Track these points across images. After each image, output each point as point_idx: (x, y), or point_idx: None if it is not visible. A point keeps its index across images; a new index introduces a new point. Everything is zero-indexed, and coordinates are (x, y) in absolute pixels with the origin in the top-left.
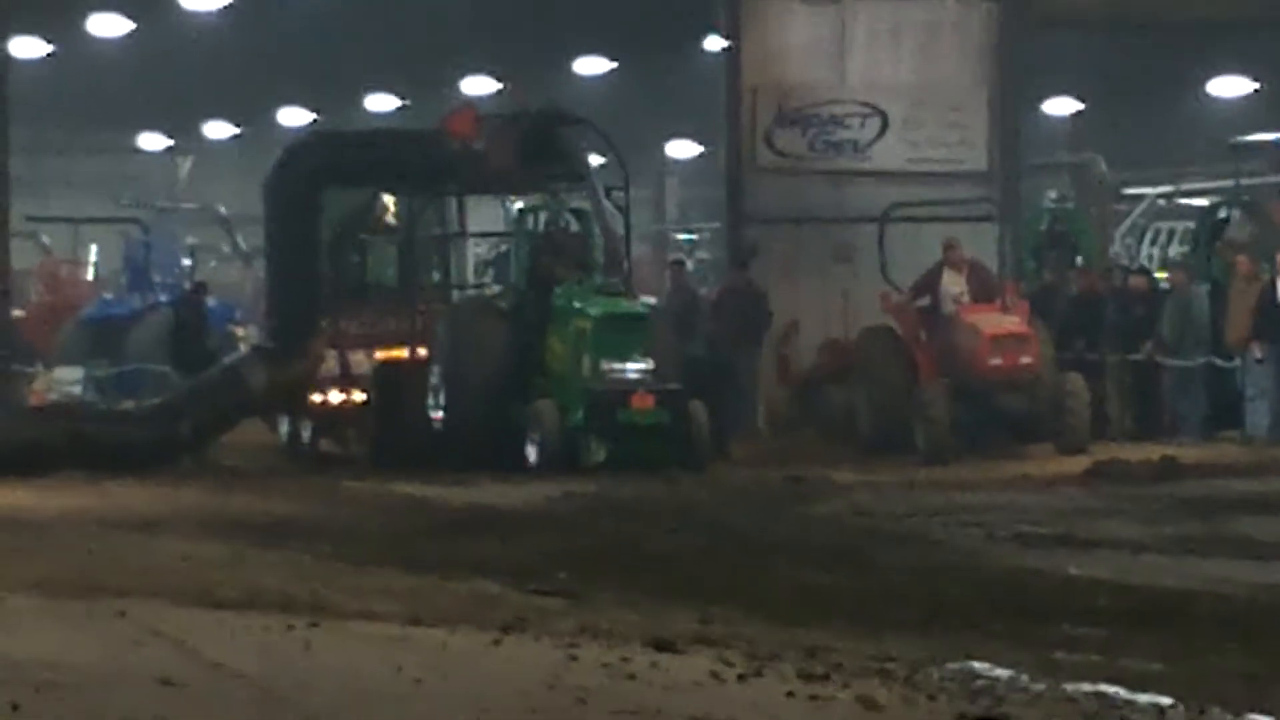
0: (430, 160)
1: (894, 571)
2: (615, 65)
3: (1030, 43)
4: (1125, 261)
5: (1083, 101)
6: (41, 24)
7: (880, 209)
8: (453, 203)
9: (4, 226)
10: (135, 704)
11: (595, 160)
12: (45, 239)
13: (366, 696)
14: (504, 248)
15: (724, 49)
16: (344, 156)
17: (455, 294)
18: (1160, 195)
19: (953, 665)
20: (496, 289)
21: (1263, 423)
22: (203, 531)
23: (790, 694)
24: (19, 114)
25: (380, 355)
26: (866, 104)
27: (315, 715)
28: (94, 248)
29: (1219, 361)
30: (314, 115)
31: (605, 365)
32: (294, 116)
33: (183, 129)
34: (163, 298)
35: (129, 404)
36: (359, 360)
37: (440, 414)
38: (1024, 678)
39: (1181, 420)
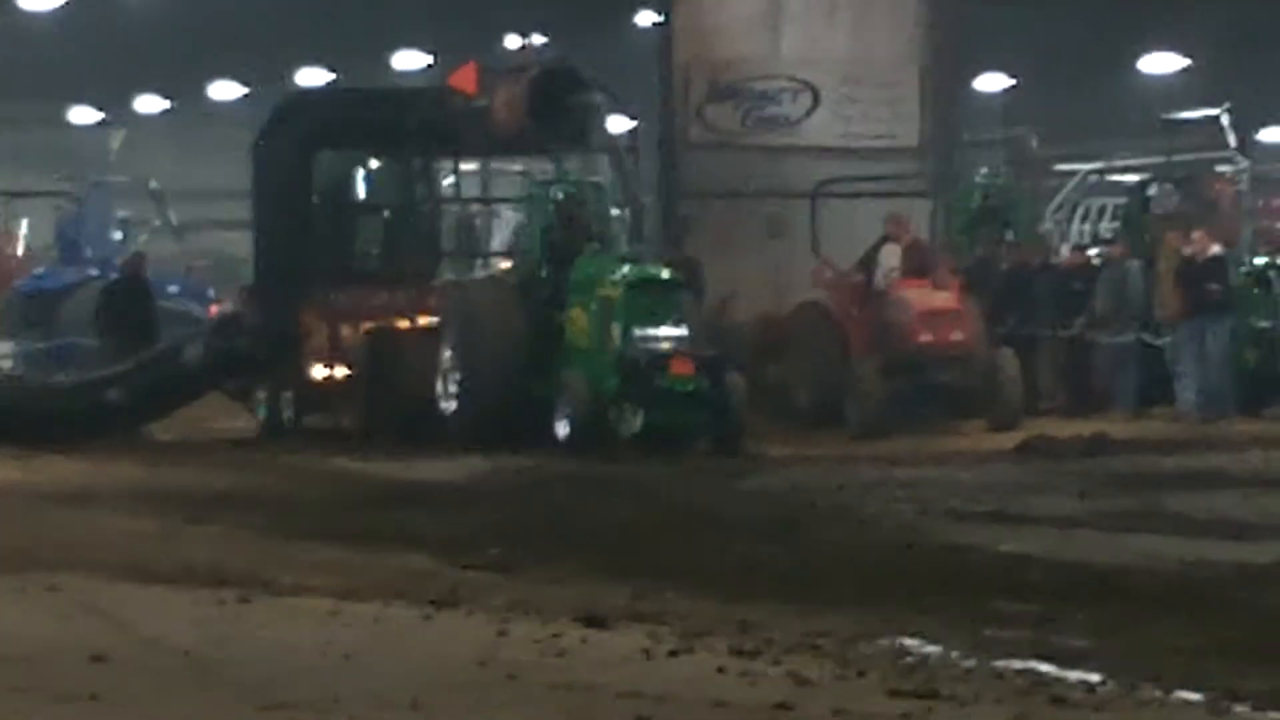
0: (430, 120)
1: (827, 547)
2: (547, 41)
3: (964, 18)
4: (1057, 238)
5: (1015, 77)
6: None
7: (814, 184)
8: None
9: None
10: (68, 679)
11: (614, 124)
12: None
13: (299, 671)
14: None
15: (656, 24)
16: (337, 116)
17: (466, 265)
18: (1092, 171)
19: (884, 641)
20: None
21: (1190, 399)
22: (136, 505)
23: (721, 670)
24: None
25: (369, 326)
26: (798, 79)
27: (248, 690)
28: (25, 221)
29: (1148, 338)
30: (245, 89)
31: (638, 332)
32: (225, 90)
33: (114, 102)
34: (93, 271)
35: (60, 377)
36: (348, 334)
37: (454, 396)
38: (955, 654)
39: (1113, 396)
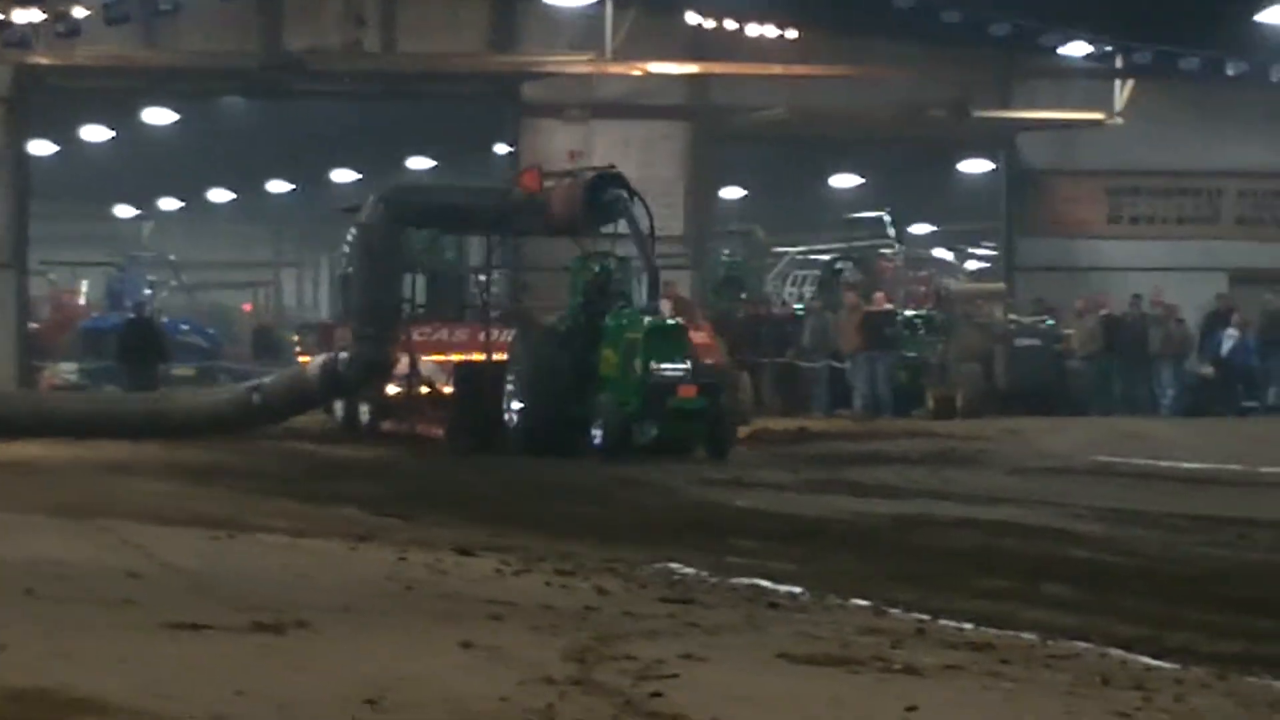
0: (499, 208)
1: (627, 504)
2: (436, 164)
3: (715, 152)
4: (775, 297)
5: (747, 190)
6: (48, 129)
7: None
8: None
9: (25, 268)
10: (112, 588)
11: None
12: (52, 276)
13: (268, 585)
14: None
15: (507, 153)
16: (426, 201)
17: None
18: (798, 252)
19: (658, 565)
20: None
21: (860, 405)
22: (158, 473)
23: (548, 584)
24: (35, 193)
25: (459, 358)
26: None
27: (233, 597)
28: (85, 282)
29: (835, 364)
30: (233, 194)
31: (655, 365)
32: (220, 195)
33: (146, 203)
34: (131, 315)
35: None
36: (426, 363)
37: (515, 413)
38: (705, 574)
39: (812, 402)
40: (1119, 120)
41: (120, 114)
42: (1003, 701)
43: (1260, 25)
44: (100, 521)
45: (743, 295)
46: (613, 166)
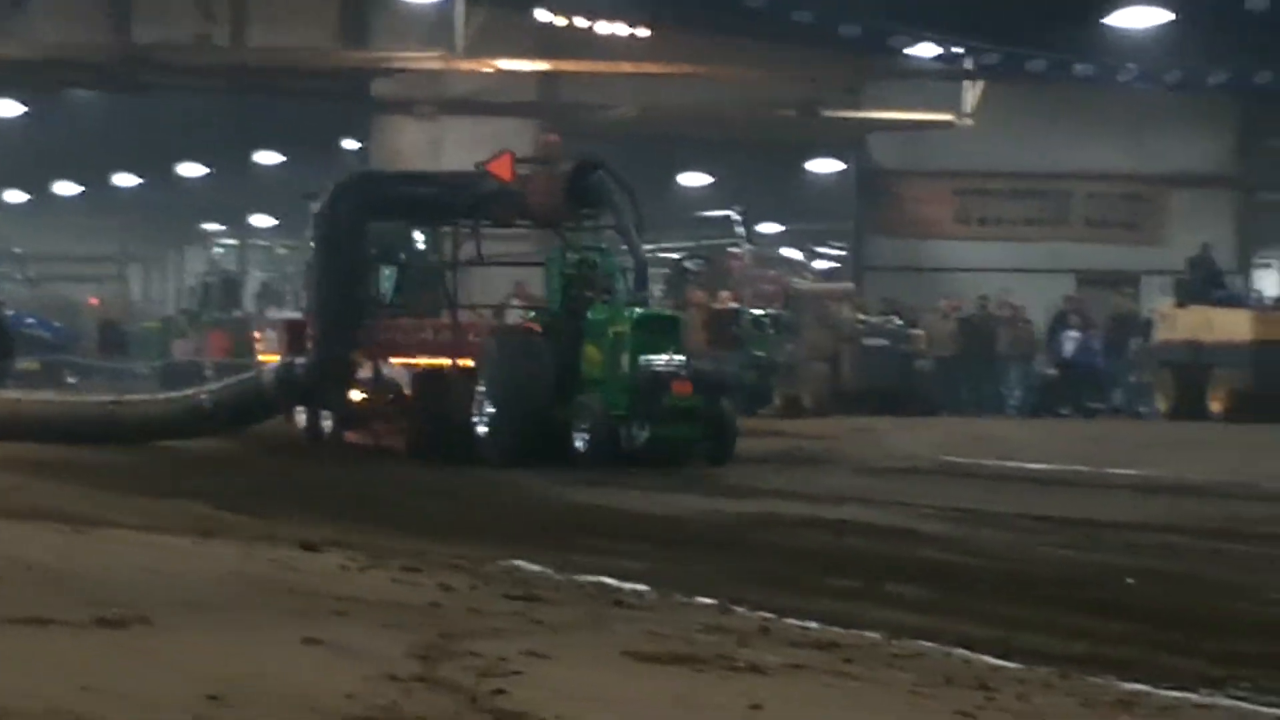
0: (470, 197)
1: (476, 501)
2: (285, 159)
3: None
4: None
5: None
6: None
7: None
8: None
9: None
10: None
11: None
12: None
13: (116, 580)
14: None
15: (358, 149)
16: (390, 193)
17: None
18: (650, 250)
19: (505, 563)
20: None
21: None
22: (5, 467)
23: (394, 580)
24: None
25: (421, 363)
26: None
27: (81, 591)
28: None
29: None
30: (81, 188)
31: (644, 360)
32: (66, 188)
33: None
34: None
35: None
36: (390, 368)
37: (488, 421)
38: (550, 571)
39: None
40: (968, 121)
41: None
42: (847, 700)
43: (1108, 28)
44: None
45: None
46: (591, 153)
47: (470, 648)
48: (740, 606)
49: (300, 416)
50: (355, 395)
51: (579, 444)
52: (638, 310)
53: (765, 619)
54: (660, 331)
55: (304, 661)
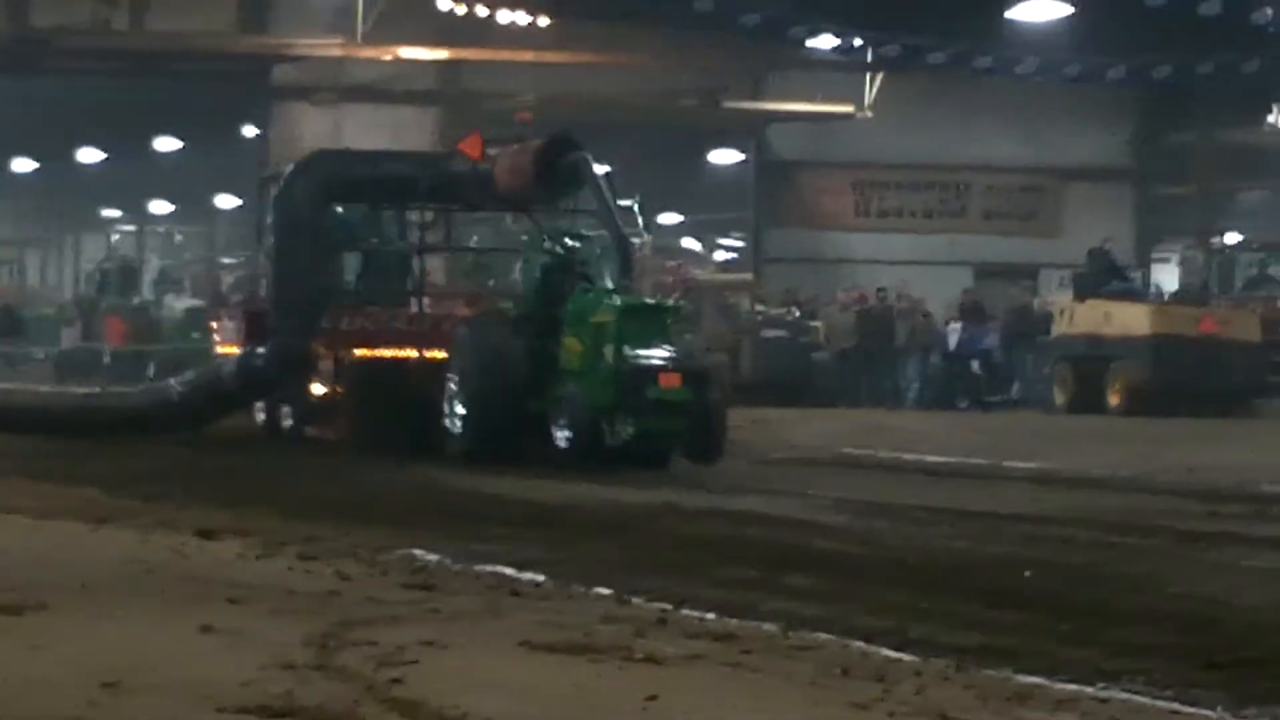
0: (437, 178)
1: (374, 489)
2: (184, 145)
3: (465, 135)
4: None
5: None
6: None
7: None
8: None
9: None
10: None
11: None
12: None
13: (8, 565)
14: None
15: (257, 135)
16: (353, 174)
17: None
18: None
19: (401, 551)
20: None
21: None
22: None
23: (291, 569)
24: None
25: (381, 354)
26: None
27: None
28: None
29: None
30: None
31: (629, 351)
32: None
33: None
34: None
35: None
36: (349, 359)
37: (459, 416)
38: (448, 561)
39: None
40: (868, 113)
41: None
42: (744, 691)
43: (1008, 21)
44: None
45: (490, 282)
46: (564, 129)
47: (367, 636)
48: (638, 597)
49: (259, 411)
50: (316, 388)
51: (560, 440)
52: (621, 299)
53: (663, 610)
54: (647, 321)
55: (200, 649)
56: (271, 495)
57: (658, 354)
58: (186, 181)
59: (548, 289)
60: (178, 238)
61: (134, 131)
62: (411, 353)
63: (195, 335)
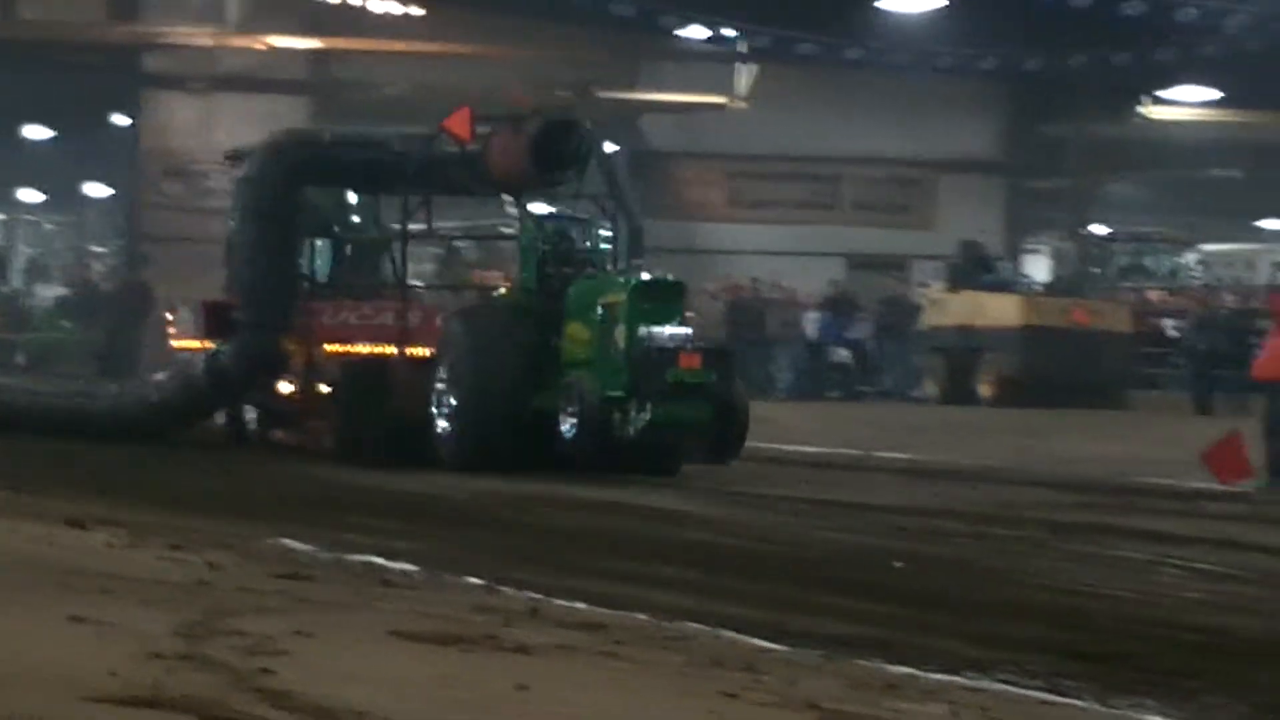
0: (421, 160)
1: (246, 478)
2: (55, 133)
3: (338, 125)
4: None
5: None
6: None
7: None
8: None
9: None
10: None
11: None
12: None
13: None
14: None
15: (128, 124)
16: (327, 155)
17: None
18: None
19: (273, 541)
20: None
21: None
22: None
23: (160, 558)
24: None
25: (346, 351)
26: (224, 163)
27: None
28: None
29: None
30: None
31: (644, 332)
32: None
33: None
34: None
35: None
36: (327, 355)
37: (450, 417)
38: (319, 550)
39: None
40: (741, 104)
41: None
42: (614, 681)
43: (880, 11)
44: None
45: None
46: (564, 110)
47: (236, 626)
48: (508, 587)
49: (219, 413)
50: (284, 387)
51: (566, 432)
52: (631, 279)
53: (533, 599)
54: (663, 299)
55: (67, 639)
56: (141, 485)
57: (676, 332)
58: (56, 170)
59: (545, 279)
60: (47, 226)
61: (3, 120)
62: (393, 349)
63: (65, 324)
